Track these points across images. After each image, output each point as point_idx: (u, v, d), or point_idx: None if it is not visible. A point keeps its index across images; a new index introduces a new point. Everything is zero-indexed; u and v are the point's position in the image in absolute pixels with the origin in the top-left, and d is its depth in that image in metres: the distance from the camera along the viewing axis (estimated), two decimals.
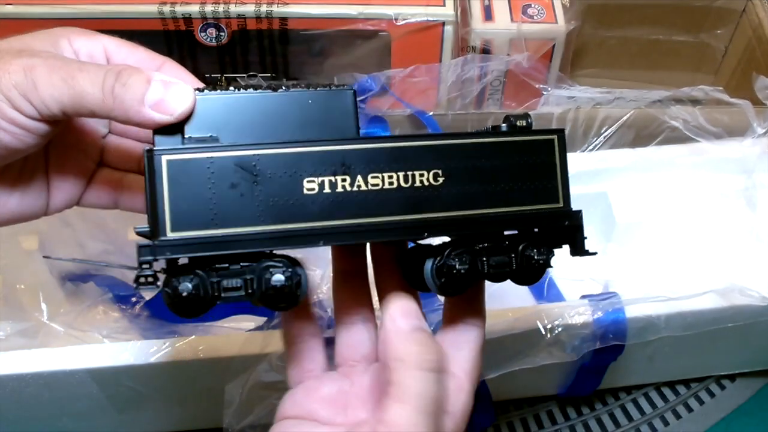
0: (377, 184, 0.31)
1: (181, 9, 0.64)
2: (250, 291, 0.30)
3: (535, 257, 0.33)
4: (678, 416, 0.62)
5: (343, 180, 0.31)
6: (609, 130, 0.62)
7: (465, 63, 0.65)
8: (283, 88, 0.32)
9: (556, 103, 0.62)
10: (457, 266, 0.32)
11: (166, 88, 0.30)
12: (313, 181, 0.31)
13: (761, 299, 0.51)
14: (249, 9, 0.64)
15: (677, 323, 0.52)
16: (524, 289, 0.63)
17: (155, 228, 0.30)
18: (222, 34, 0.66)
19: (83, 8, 0.64)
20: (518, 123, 0.34)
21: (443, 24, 0.65)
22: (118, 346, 0.50)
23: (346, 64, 0.69)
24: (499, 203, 0.33)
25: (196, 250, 0.30)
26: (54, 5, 0.64)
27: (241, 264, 0.31)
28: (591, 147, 0.62)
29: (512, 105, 0.70)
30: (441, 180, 0.32)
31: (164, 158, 0.30)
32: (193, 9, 0.64)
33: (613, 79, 0.83)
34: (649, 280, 0.56)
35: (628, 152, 0.62)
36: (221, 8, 0.64)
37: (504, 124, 0.34)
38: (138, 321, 0.61)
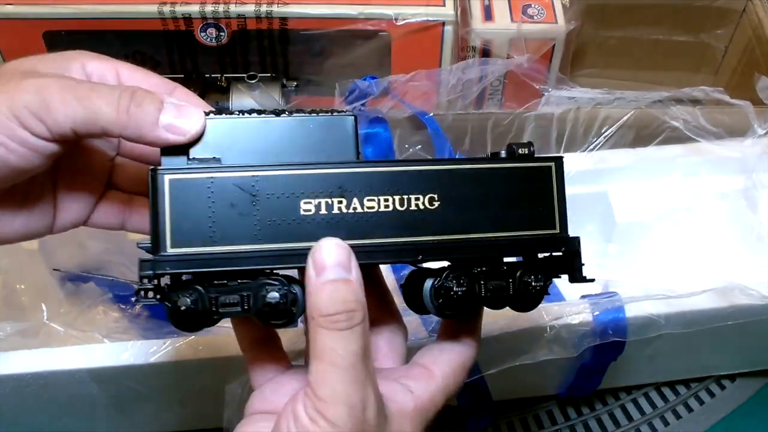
0: (373, 207, 0.32)
1: (181, 9, 0.64)
2: (246, 307, 0.31)
3: (533, 284, 0.34)
4: (678, 416, 0.62)
5: (340, 202, 0.32)
6: (609, 130, 0.62)
7: (466, 67, 0.65)
8: (286, 113, 0.34)
9: (556, 103, 0.62)
10: (454, 288, 0.33)
11: (178, 110, 0.32)
12: (310, 203, 0.32)
13: (761, 298, 0.51)
14: (249, 9, 0.64)
15: (677, 321, 0.52)
16: None
17: (156, 243, 0.31)
18: (222, 34, 0.66)
19: (83, 8, 0.64)
20: (520, 151, 0.34)
21: (443, 24, 0.65)
22: (118, 346, 0.50)
23: (346, 64, 0.69)
24: (493, 228, 0.33)
25: (195, 267, 0.31)
26: (54, 5, 0.64)
27: (239, 281, 0.32)
28: (591, 147, 0.62)
29: (512, 105, 0.70)
30: (436, 204, 0.33)
31: (167, 177, 0.31)
32: (193, 9, 0.64)
33: (613, 79, 0.83)
34: (649, 280, 0.56)
35: (628, 152, 0.62)
36: (221, 8, 0.64)
37: (503, 151, 0.34)
38: (138, 321, 0.61)
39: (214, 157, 0.32)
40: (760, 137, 0.61)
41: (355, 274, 0.30)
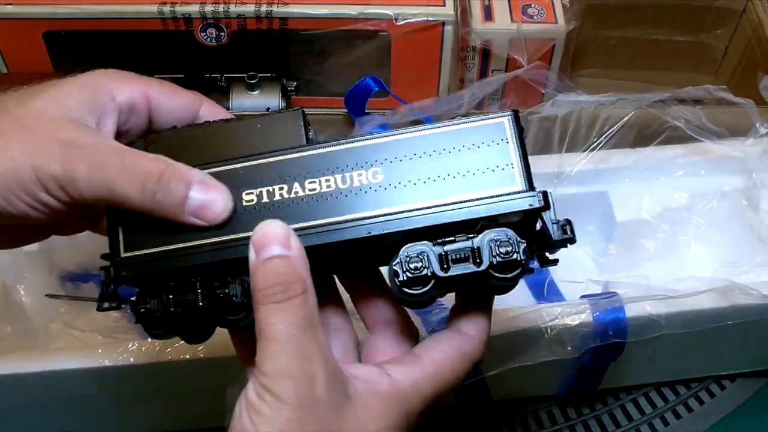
0: (314, 189, 0.32)
1: (181, 9, 0.64)
2: (201, 303, 0.32)
3: (502, 250, 0.31)
4: (678, 416, 0.62)
5: (281, 188, 0.32)
6: (611, 130, 0.62)
7: (471, 92, 0.64)
8: (236, 119, 0.35)
9: (559, 106, 0.61)
10: (411, 265, 0.31)
11: (205, 193, 0.32)
12: (252, 193, 0.32)
13: (761, 297, 0.51)
14: (249, 9, 0.64)
15: (677, 321, 0.52)
16: (525, 291, 0.63)
17: (112, 250, 0.33)
18: (222, 34, 0.66)
19: (83, 8, 0.64)
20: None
21: (443, 24, 0.65)
22: (118, 346, 0.50)
23: (346, 64, 0.69)
24: (444, 194, 0.32)
25: (147, 268, 0.32)
26: (54, 5, 0.64)
27: (194, 278, 0.32)
28: (592, 147, 0.62)
29: (513, 106, 0.70)
30: (380, 177, 0.32)
31: None
32: (193, 9, 0.64)
33: (613, 79, 0.83)
34: (649, 280, 0.56)
35: (628, 152, 0.62)
36: (221, 8, 0.64)
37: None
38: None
39: None
40: (761, 137, 0.60)
41: (295, 251, 0.30)
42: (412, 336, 0.36)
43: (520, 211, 0.32)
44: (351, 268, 0.37)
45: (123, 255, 0.32)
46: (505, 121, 0.32)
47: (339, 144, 0.33)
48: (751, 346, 0.61)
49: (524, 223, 0.33)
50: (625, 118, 0.61)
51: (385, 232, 0.32)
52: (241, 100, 0.70)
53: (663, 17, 0.81)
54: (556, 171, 0.61)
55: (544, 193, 0.32)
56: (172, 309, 0.32)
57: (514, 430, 0.62)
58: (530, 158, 0.33)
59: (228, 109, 0.68)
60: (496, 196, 0.32)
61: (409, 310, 0.37)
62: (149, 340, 0.50)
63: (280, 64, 0.71)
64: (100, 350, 0.49)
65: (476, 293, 0.35)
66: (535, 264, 0.34)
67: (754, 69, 0.73)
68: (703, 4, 0.79)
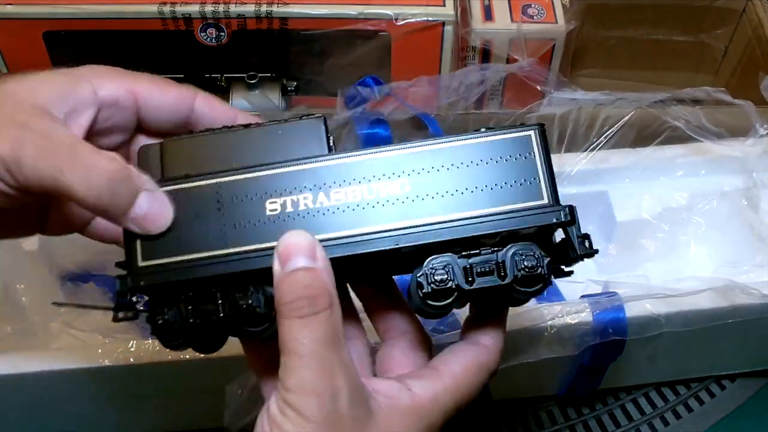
0: (340, 199, 0.31)
1: (181, 9, 0.64)
2: (222, 314, 0.31)
3: (527, 264, 0.31)
4: (678, 416, 0.62)
5: (306, 198, 0.31)
6: (611, 130, 0.62)
7: (467, 74, 0.65)
8: (255, 125, 0.34)
9: (557, 104, 0.61)
10: (436, 276, 0.31)
11: (150, 205, 0.31)
12: (276, 202, 0.31)
13: (761, 297, 0.51)
14: (249, 9, 0.64)
15: (677, 320, 0.52)
16: None
17: (129, 259, 0.31)
18: (222, 34, 0.66)
19: (83, 8, 0.64)
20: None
21: (443, 24, 0.65)
22: (118, 346, 0.50)
23: (346, 64, 0.69)
24: (471, 207, 0.31)
25: (166, 278, 0.31)
26: (54, 5, 0.64)
27: (214, 289, 0.31)
28: (592, 147, 0.62)
29: (513, 106, 0.70)
30: (408, 188, 0.31)
31: None
32: (193, 9, 0.64)
33: (613, 79, 0.83)
34: (649, 280, 0.56)
35: (628, 152, 0.62)
36: (221, 8, 0.64)
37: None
38: (138, 321, 0.61)
39: (185, 175, 0.32)
40: (761, 137, 0.60)
41: (321, 263, 0.29)
42: (426, 345, 0.36)
43: (546, 226, 0.32)
44: (366, 277, 0.37)
45: (140, 264, 0.31)
46: (532, 134, 0.32)
47: (365, 153, 0.32)
48: (751, 346, 0.61)
49: (543, 235, 0.33)
50: (625, 118, 0.61)
51: (414, 244, 0.31)
52: (241, 100, 0.71)
53: (663, 17, 0.81)
54: (556, 171, 0.61)
55: (571, 208, 0.32)
56: (191, 320, 0.31)
57: (514, 430, 0.62)
58: None
59: None
60: (523, 210, 0.31)
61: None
62: (149, 340, 0.50)
63: (280, 64, 0.71)
64: (100, 350, 0.49)
65: (493, 304, 0.35)
66: None
67: (754, 69, 0.73)
68: (703, 4, 0.79)
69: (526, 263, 0.31)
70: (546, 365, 0.52)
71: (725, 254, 0.61)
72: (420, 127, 0.65)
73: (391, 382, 0.32)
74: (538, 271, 0.31)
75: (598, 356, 0.54)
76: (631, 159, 0.62)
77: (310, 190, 0.31)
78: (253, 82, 0.70)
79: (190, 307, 0.31)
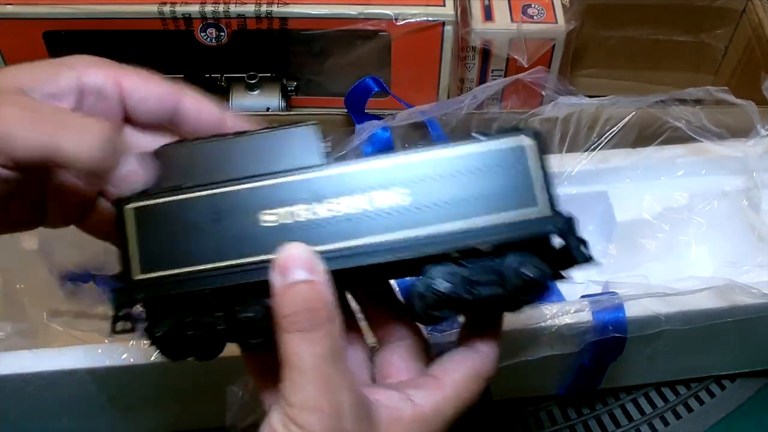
0: (339, 210, 0.31)
1: (181, 9, 0.64)
2: (221, 327, 0.31)
3: (523, 270, 0.31)
4: (678, 416, 0.62)
5: (303, 209, 0.31)
6: (611, 131, 0.62)
7: (461, 102, 0.64)
8: (248, 133, 0.33)
9: (558, 107, 0.61)
10: (437, 286, 0.31)
11: (138, 163, 0.31)
12: (273, 213, 0.31)
13: (762, 296, 0.51)
14: (249, 9, 0.64)
15: (677, 320, 0.52)
16: None
17: (126, 271, 0.31)
18: (222, 34, 0.66)
19: (83, 8, 0.64)
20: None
21: (443, 24, 0.65)
22: (118, 346, 0.50)
23: (346, 64, 0.69)
24: (471, 215, 0.31)
25: (163, 291, 0.31)
26: (54, 5, 0.64)
27: (213, 301, 0.31)
28: (593, 147, 0.62)
29: (513, 106, 0.70)
30: (406, 198, 0.31)
31: (129, 207, 0.32)
32: (193, 9, 0.64)
33: (613, 79, 0.83)
34: (649, 280, 0.56)
35: (629, 152, 0.62)
36: (221, 8, 0.64)
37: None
38: (138, 321, 0.61)
39: (182, 184, 0.32)
40: (762, 137, 0.61)
41: (321, 276, 0.29)
42: (425, 350, 0.36)
43: (545, 236, 0.31)
44: (363, 284, 0.37)
45: (137, 277, 0.31)
46: (529, 141, 0.32)
47: (363, 162, 0.32)
48: (751, 346, 0.61)
49: (541, 242, 0.32)
50: (626, 119, 0.61)
51: (414, 257, 0.31)
52: (241, 100, 0.71)
53: (663, 17, 0.81)
54: (556, 171, 0.61)
55: (569, 218, 0.32)
56: (190, 332, 0.31)
57: (514, 430, 0.62)
58: None
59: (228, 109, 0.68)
60: (523, 220, 0.31)
61: None
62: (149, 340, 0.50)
63: (280, 64, 0.71)
64: (100, 350, 0.49)
65: (491, 311, 0.35)
66: None
67: (754, 69, 0.73)
68: (703, 4, 0.79)
69: (526, 272, 0.31)
70: (546, 365, 0.52)
71: (726, 254, 0.61)
72: (420, 127, 0.65)
73: (392, 392, 0.32)
74: (538, 278, 0.31)
75: (598, 356, 0.54)
76: (632, 159, 0.62)
77: (308, 200, 0.31)
78: (253, 82, 0.70)
79: (188, 320, 0.31)
